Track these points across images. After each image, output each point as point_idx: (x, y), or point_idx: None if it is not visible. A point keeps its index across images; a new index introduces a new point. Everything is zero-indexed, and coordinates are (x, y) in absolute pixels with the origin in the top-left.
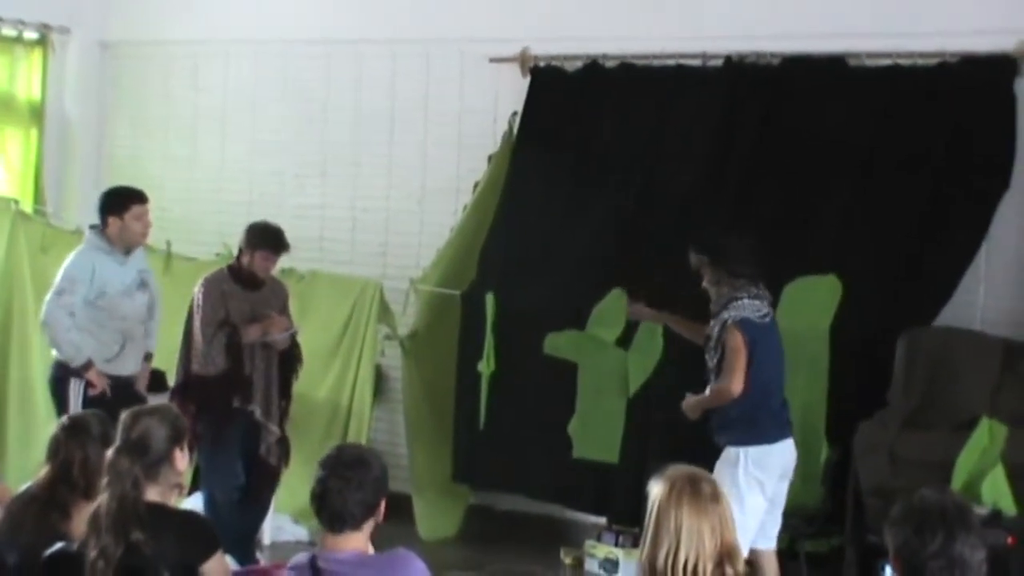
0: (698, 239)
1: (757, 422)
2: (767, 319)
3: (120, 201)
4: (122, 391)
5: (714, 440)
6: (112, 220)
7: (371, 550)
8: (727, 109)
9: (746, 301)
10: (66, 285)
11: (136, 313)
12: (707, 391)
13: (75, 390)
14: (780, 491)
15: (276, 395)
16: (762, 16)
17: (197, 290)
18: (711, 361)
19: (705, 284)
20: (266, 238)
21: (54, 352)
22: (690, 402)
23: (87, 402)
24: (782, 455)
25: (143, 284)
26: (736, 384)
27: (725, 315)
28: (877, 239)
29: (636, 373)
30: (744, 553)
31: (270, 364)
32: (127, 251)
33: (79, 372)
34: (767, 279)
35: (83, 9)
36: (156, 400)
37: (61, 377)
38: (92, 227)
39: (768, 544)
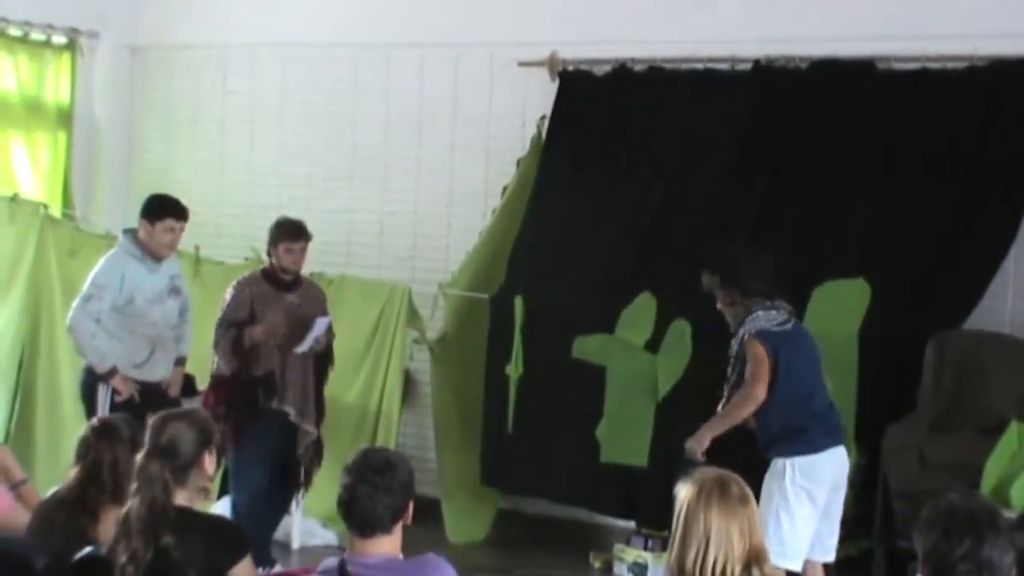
0: (710, 257)
1: (803, 431)
2: (787, 326)
3: (156, 209)
4: (152, 396)
5: (764, 457)
6: (144, 224)
7: (400, 555)
8: (755, 112)
9: (760, 313)
10: (94, 291)
11: (166, 319)
12: (719, 409)
13: (103, 395)
14: (835, 501)
15: (312, 396)
16: (790, 20)
17: (228, 291)
18: (733, 376)
19: (719, 306)
20: (283, 228)
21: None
22: (698, 436)
23: (114, 407)
24: (832, 463)
25: (175, 290)
26: (759, 390)
27: (742, 330)
28: (905, 243)
29: (665, 376)
30: (798, 567)
31: (306, 365)
32: (155, 258)
33: (104, 378)
34: (788, 292)
35: (112, 13)
36: (188, 405)
37: (90, 382)
38: (126, 231)
39: (825, 556)
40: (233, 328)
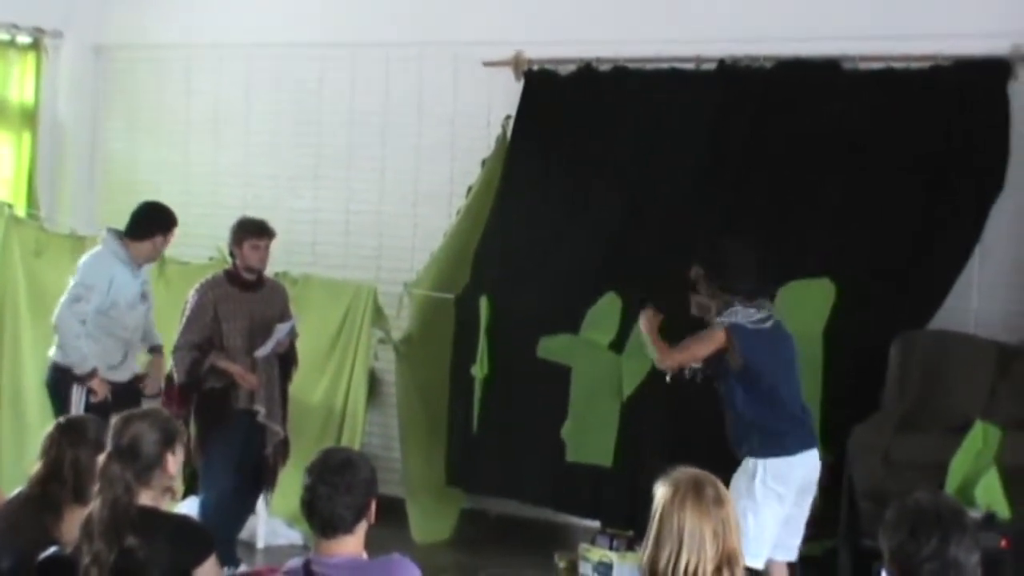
0: (700, 250)
1: (779, 433)
2: (765, 325)
3: (169, 221)
4: (123, 397)
5: (736, 453)
6: (158, 238)
7: (364, 554)
8: (720, 112)
9: (739, 308)
10: (82, 292)
11: (137, 324)
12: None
13: (77, 396)
14: (803, 503)
15: (279, 396)
16: (755, 19)
17: (190, 294)
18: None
19: (701, 298)
20: (246, 226)
21: (51, 354)
22: (648, 318)
23: (88, 408)
24: (804, 467)
25: (144, 296)
26: (673, 360)
27: (719, 320)
28: (870, 242)
29: (630, 376)
30: (760, 565)
31: (271, 365)
32: (140, 265)
33: (82, 380)
34: (772, 291)
35: (76, 13)
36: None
37: (59, 380)
38: (112, 231)
39: (787, 556)
40: (196, 351)
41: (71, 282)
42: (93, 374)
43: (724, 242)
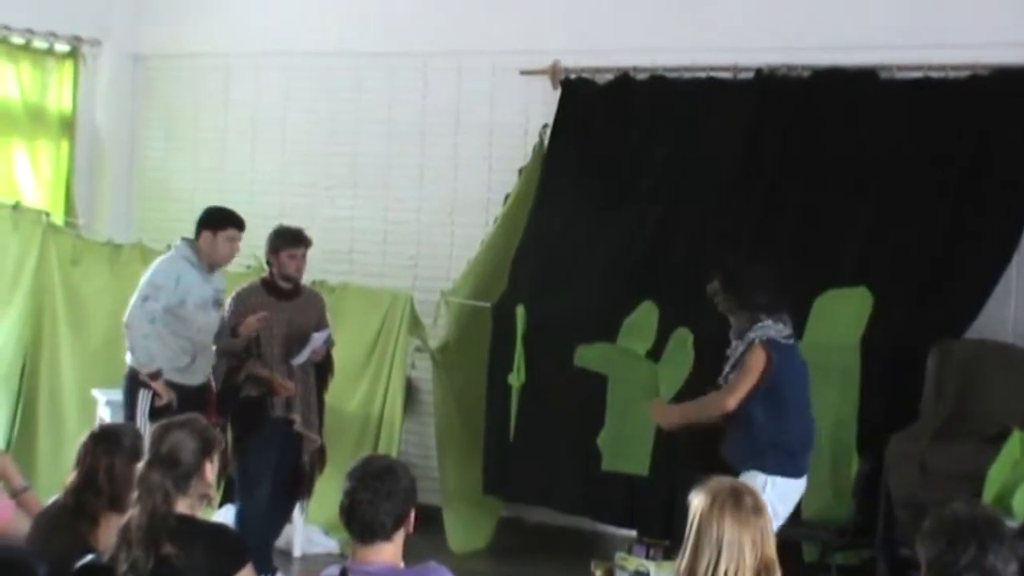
0: (719, 264)
1: (792, 453)
2: (791, 341)
3: (219, 219)
4: (191, 402)
5: (736, 466)
6: (205, 234)
7: (402, 563)
8: (757, 121)
9: (770, 323)
10: (150, 292)
11: (209, 327)
12: (693, 402)
13: (143, 400)
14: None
15: (315, 404)
16: (793, 29)
17: (227, 303)
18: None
19: (721, 311)
20: (283, 235)
21: (127, 359)
22: (668, 408)
23: (153, 412)
24: (798, 492)
25: (218, 303)
26: (732, 400)
27: (752, 334)
28: (907, 251)
29: (667, 385)
30: None
31: (308, 374)
32: (211, 268)
33: (147, 381)
34: (790, 307)
35: (114, 21)
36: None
37: (130, 383)
38: (184, 239)
39: None
40: (235, 360)
41: (140, 283)
42: (158, 375)
43: (737, 257)
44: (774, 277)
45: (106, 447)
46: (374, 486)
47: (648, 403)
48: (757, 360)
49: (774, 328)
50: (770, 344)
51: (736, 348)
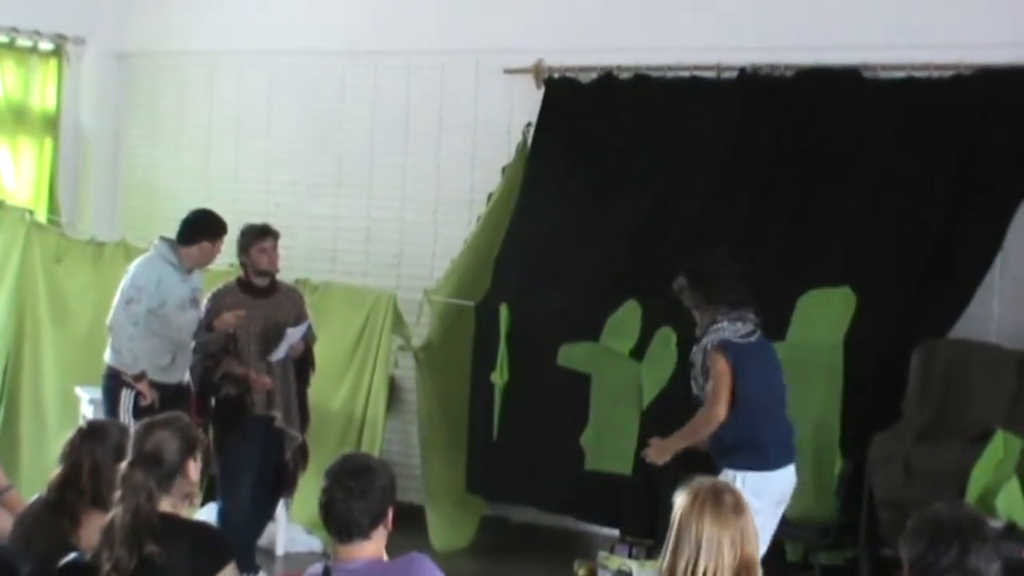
0: (686, 264)
1: (762, 447)
2: (752, 338)
3: (217, 229)
4: (172, 400)
5: (716, 462)
6: (204, 244)
7: (385, 558)
8: (741, 120)
9: (725, 324)
10: (134, 294)
11: (188, 327)
12: (685, 427)
13: (126, 399)
14: (774, 516)
15: (295, 400)
16: (776, 28)
17: (204, 302)
18: (696, 388)
19: (687, 307)
20: (249, 231)
21: (106, 358)
22: (664, 443)
23: (137, 412)
24: (782, 482)
25: (195, 302)
26: (719, 410)
27: (705, 340)
28: (891, 251)
29: (650, 384)
30: None
31: (287, 370)
32: (190, 270)
33: (130, 382)
34: (762, 303)
35: (99, 20)
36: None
37: (111, 383)
38: (163, 239)
39: None
40: (209, 359)
41: (121, 286)
42: (142, 376)
43: (705, 255)
44: (743, 276)
45: (91, 444)
46: (349, 485)
47: (644, 451)
48: (719, 364)
49: (729, 329)
50: (724, 346)
51: (695, 353)
